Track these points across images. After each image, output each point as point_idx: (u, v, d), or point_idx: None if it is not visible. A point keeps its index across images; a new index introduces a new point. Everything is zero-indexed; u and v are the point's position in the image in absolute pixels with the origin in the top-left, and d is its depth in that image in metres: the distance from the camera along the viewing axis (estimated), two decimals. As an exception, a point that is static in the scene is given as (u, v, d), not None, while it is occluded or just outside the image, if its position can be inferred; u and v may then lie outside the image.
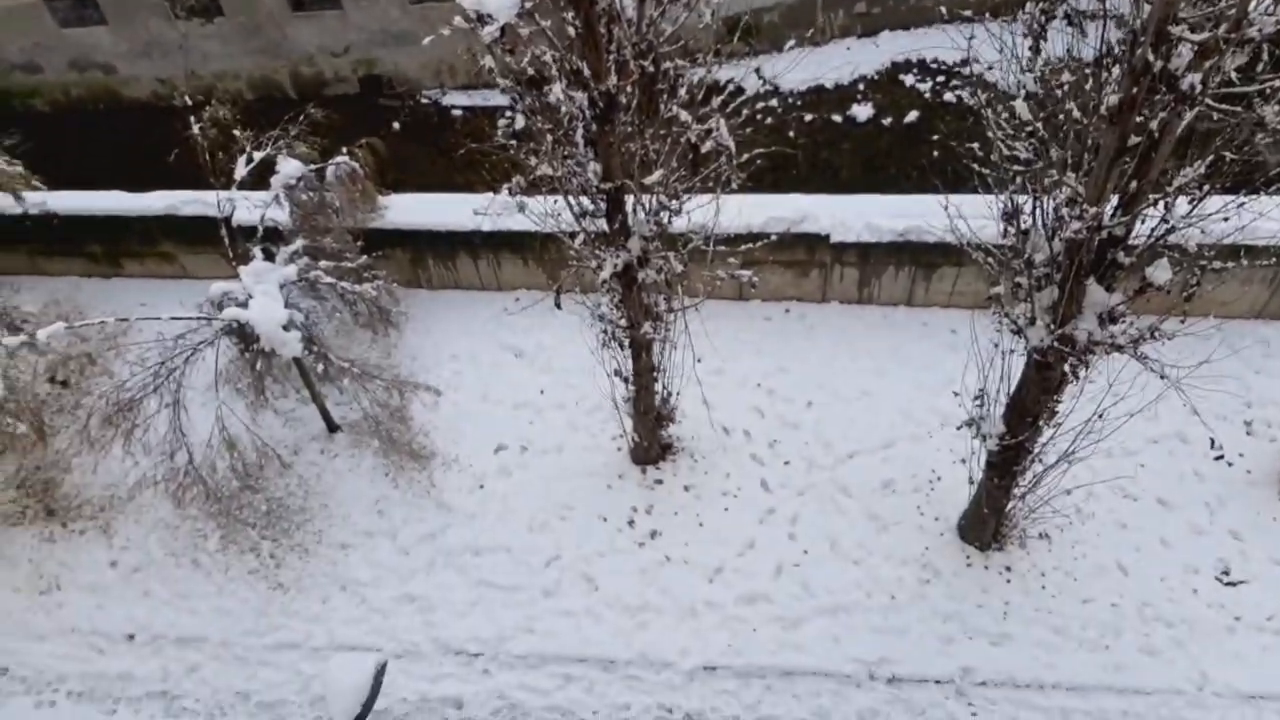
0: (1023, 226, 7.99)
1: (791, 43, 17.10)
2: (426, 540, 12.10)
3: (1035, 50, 7.22)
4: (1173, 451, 12.07)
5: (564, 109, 7.91)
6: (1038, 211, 7.75)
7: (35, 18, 19.48)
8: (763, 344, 13.69)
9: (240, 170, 11.27)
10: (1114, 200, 7.01)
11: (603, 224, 9.02)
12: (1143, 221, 7.30)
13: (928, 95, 18.17)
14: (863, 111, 18.39)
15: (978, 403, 9.55)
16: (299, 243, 11.83)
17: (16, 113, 20.30)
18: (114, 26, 19.61)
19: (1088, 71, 6.83)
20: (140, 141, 16.89)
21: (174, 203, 14.60)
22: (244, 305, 10.88)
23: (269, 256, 11.51)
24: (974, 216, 8.42)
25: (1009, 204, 7.97)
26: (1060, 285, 7.75)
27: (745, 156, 8.50)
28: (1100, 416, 9.01)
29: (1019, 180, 7.70)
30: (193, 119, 10.82)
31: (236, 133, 11.22)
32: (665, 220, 9.14)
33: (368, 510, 12.41)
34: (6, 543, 12.48)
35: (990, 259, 8.50)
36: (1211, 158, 6.83)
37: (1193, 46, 5.79)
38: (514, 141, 8.28)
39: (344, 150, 12.46)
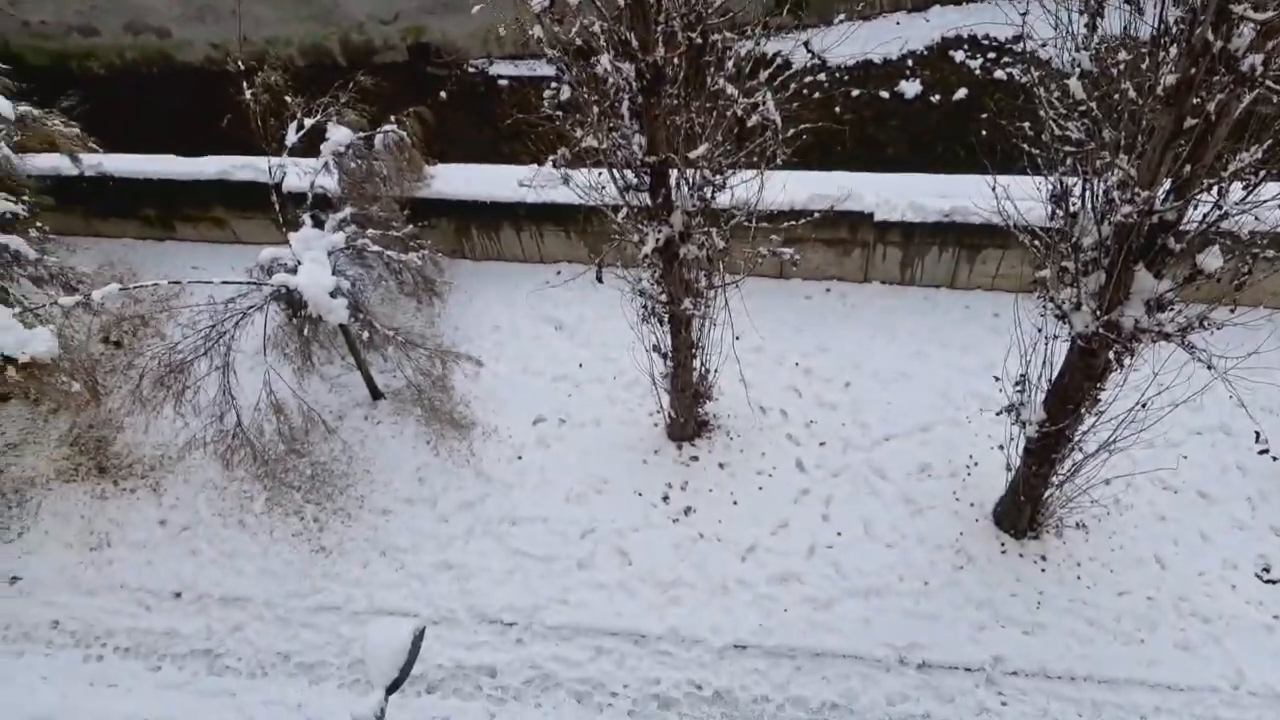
0: (1071, 209, 7.86)
1: (841, 17, 16.90)
2: (465, 509, 12.29)
3: (1091, 28, 7.08)
4: (1216, 444, 11.87)
5: (611, 80, 7.91)
6: (1087, 194, 7.62)
7: (94, -19, 19.81)
8: (802, 323, 13.64)
9: (291, 136, 11.41)
10: (1166, 184, 6.88)
11: (646, 198, 9.03)
12: (1195, 207, 7.15)
13: (978, 72, 17.87)
14: (911, 88, 18.12)
15: (1019, 388, 9.45)
16: (347, 210, 11.98)
17: (73, 75, 20.68)
18: (169, -9, 19.88)
19: (1144, 51, 6.68)
20: (193, 106, 17.11)
21: (226, 168, 14.83)
22: (293, 271, 11.06)
23: (318, 223, 11.67)
24: (1021, 198, 8.30)
25: (1058, 186, 7.85)
26: (1108, 270, 7.63)
27: (791, 132, 8.45)
28: (1144, 406, 8.87)
29: (1069, 161, 7.57)
30: (245, 84, 10.96)
31: (288, 99, 11.34)
32: (709, 195, 9.13)
33: (409, 478, 12.62)
34: (60, 499, 12.85)
35: (1037, 242, 8.39)
36: (1270, 142, 6.67)
37: (1255, 26, 5.65)
38: (560, 113, 8.31)
39: (392, 119, 12.56)
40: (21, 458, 13.16)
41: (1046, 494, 10.64)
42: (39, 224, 12.55)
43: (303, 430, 12.01)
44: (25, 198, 12.56)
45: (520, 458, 12.68)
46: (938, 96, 17.76)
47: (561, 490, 12.32)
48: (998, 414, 10.02)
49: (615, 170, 8.86)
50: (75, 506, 12.81)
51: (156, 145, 15.61)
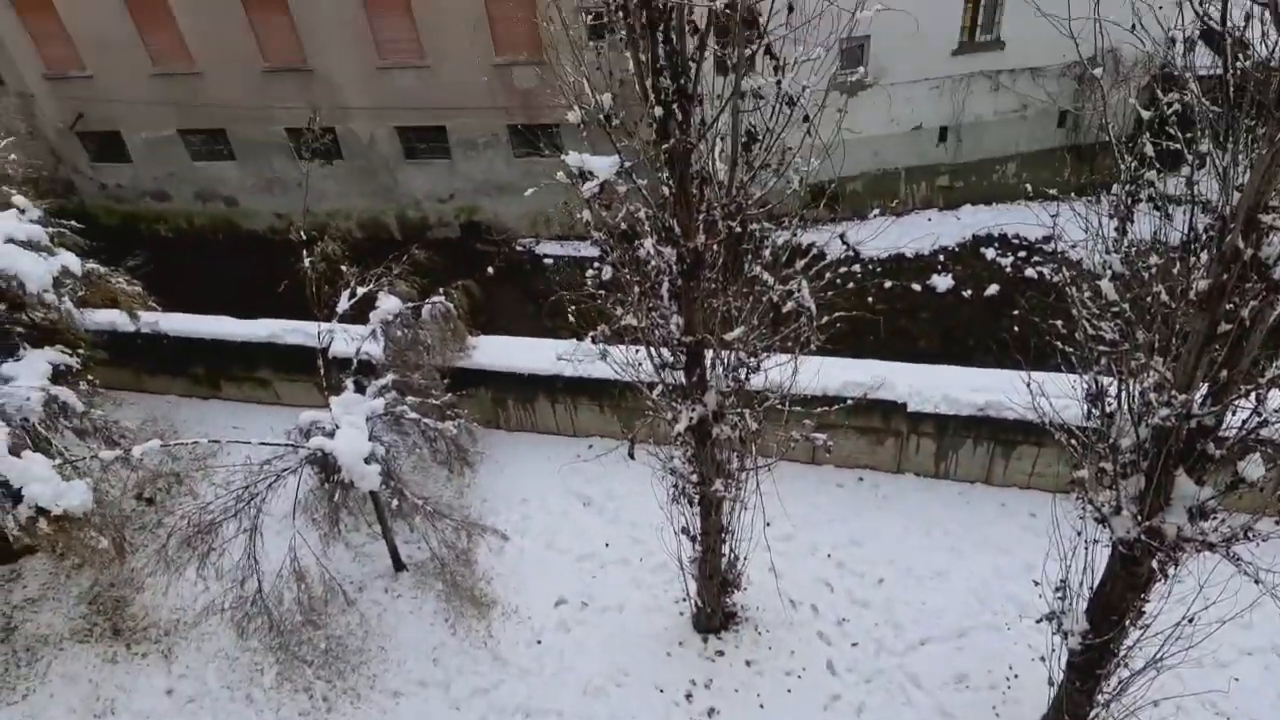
0: (1108, 409, 7.80)
1: (875, 212, 17.52)
2: (479, 695, 11.75)
3: (1121, 231, 7.23)
4: (1269, 666, 11.19)
5: (652, 263, 8.17)
6: (1123, 395, 7.58)
7: (173, 150, 21.24)
8: (835, 512, 13.41)
9: (343, 303, 11.82)
10: (1203, 388, 6.82)
11: (681, 376, 9.13)
12: (1234, 412, 7.06)
13: (1009, 270, 18.27)
14: (943, 282, 18.53)
15: (1059, 595, 9.04)
16: (389, 377, 12.23)
17: (142, 236, 21.86)
18: (241, 162, 21.22)
19: (1175, 255, 6.79)
20: (254, 271, 17.92)
21: (277, 331, 15.32)
22: (330, 435, 11.18)
23: (360, 389, 11.90)
24: (1056, 395, 8.26)
25: (1093, 385, 7.82)
26: (1147, 474, 7.47)
27: (826, 319, 8.59)
28: (1190, 621, 8.42)
29: (1104, 361, 7.57)
30: (305, 253, 11.45)
31: (343, 268, 11.82)
32: (743, 377, 9.21)
33: (424, 658, 12.19)
34: (71, 659, 12.56)
35: (1073, 441, 8.28)
36: (1308, 350, 6.65)
37: (1285, 237, 5.76)
38: (602, 291, 8.55)
39: (440, 290, 13.01)
40: (39, 614, 13.00)
41: (1092, 714, 9.97)
42: (90, 377, 12.91)
43: (322, 600, 11.77)
44: (81, 351, 12.99)
45: (539, 641, 12.23)
46: (969, 291, 18.10)
47: (580, 680, 11.77)
48: (1038, 621, 9.57)
49: (652, 348, 9.01)
50: (85, 669, 12.47)
51: (214, 307, 16.26)
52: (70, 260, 12.55)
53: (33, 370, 12.20)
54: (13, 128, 20.23)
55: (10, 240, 12.05)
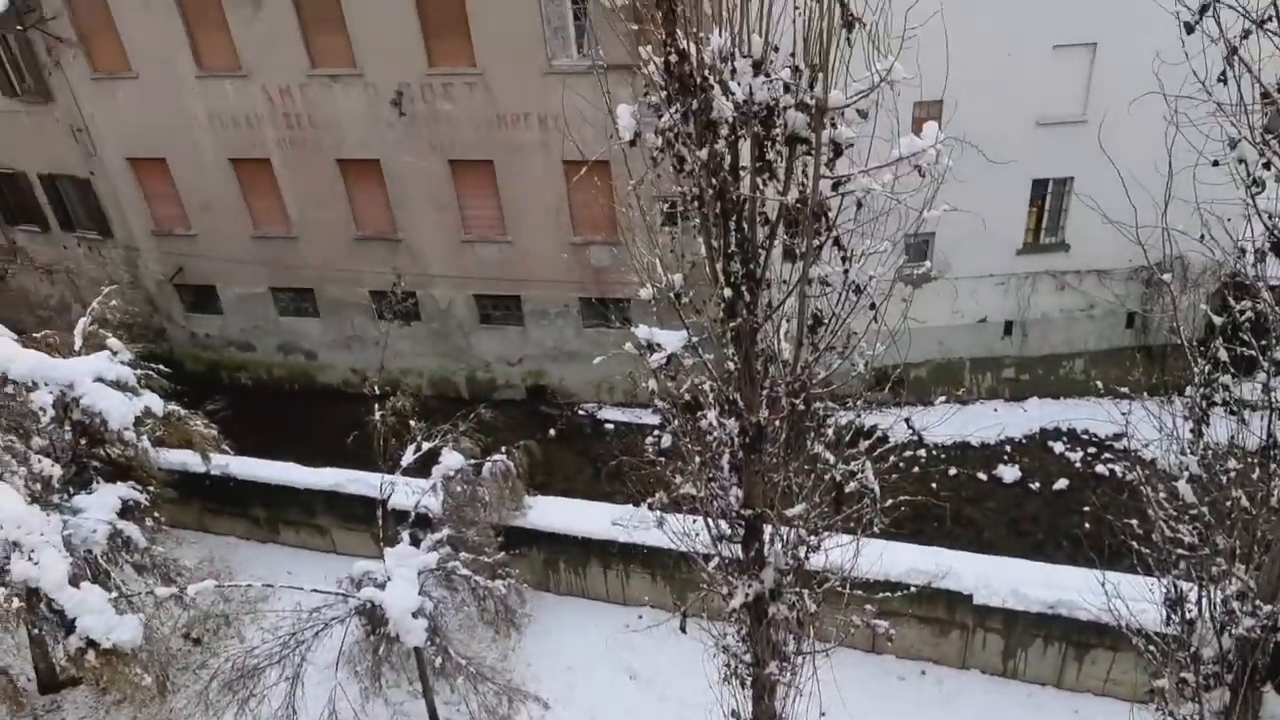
0: (1188, 616, 7.43)
1: (941, 398, 17.46)
2: None
3: (1197, 434, 7.11)
4: None
5: (714, 434, 8.23)
6: (1204, 601, 7.24)
7: (262, 305, 22.36)
8: (895, 706, 12.74)
9: (408, 457, 12.06)
10: (1291, 599, 6.50)
11: (738, 550, 8.98)
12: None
13: (1078, 465, 17.90)
14: (1009, 473, 18.19)
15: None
16: (445, 531, 12.28)
17: (225, 383, 22.71)
18: (324, 319, 22.21)
19: (1254, 461, 6.64)
20: (325, 422, 18.45)
21: (340, 480, 15.58)
22: (381, 587, 11.17)
23: (415, 541, 11.95)
24: (1133, 598, 7.91)
25: (1172, 590, 7.49)
26: (1232, 689, 7.04)
27: (889, 502, 8.47)
28: None
29: (1183, 565, 7.29)
30: (377, 406, 11.82)
31: (411, 423, 12.13)
32: (803, 555, 9.03)
33: (454, 826, 11.67)
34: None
35: (1151, 648, 7.86)
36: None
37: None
38: (661, 458, 8.60)
39: (502, 449, 13.20)
40: (73, 750, 12.83)
41: None
42: (156, 514, 13.20)
43: (355, 760, 11.43)
44: (151, 488, 13.35)
45: (571, 827, 11.61)
46: (1037, 484, 17.72)
47: None
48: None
49: (710, 519, 8.93)
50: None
51: (284, 453, 16.66)
52: (153, 401, 13.11)
53: (103, 504, 12.54)
54: (117, 277, 21.63)
55: (100, 379, 12.67)
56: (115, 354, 13.29)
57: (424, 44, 18.04)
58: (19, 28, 18.71)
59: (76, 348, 13.62)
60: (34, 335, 13.87)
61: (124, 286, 19.96)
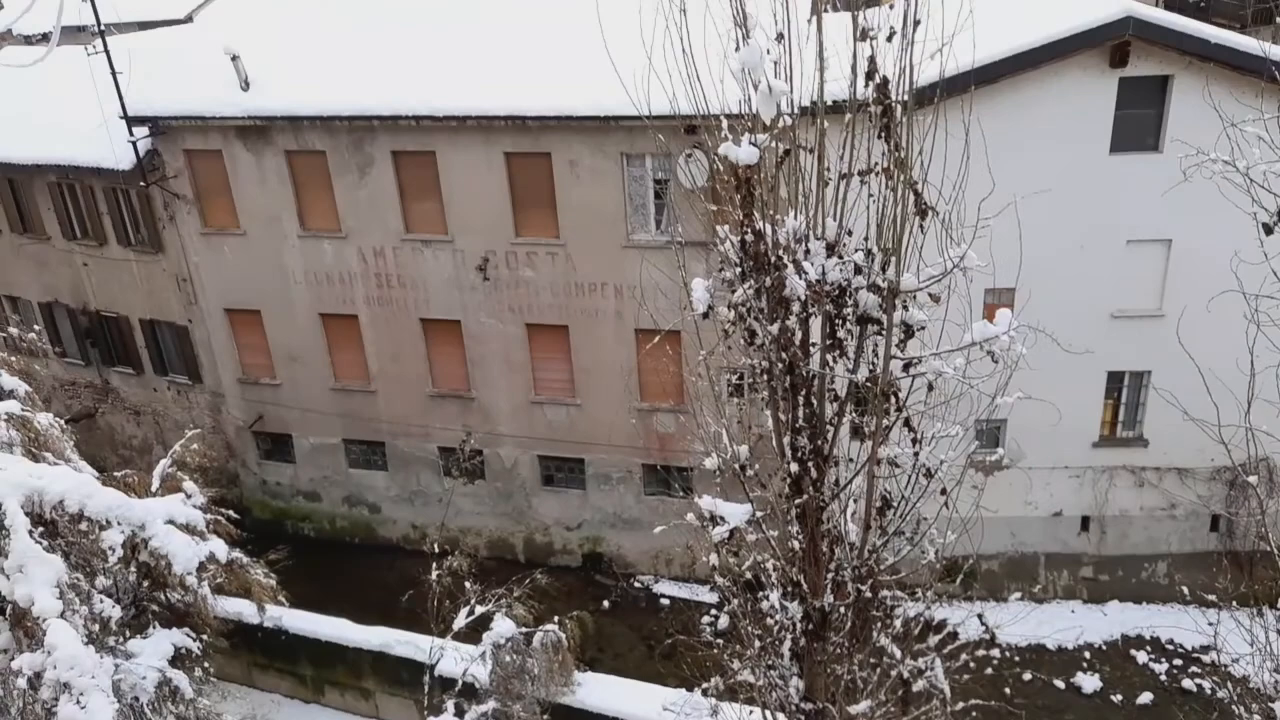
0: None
1: (1016, 595, 16.71)
2: None
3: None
4: None
5: (775, 618, 7.94)
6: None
7: (333, 456, 22.79)
8: None
9: (460, 620, 11.87)
10: None
11: (796, 748, 8.48)
12: None
13: (1163, 677, 16.75)
14: (1089, 682, 17.09)
15: None
16: (490, 704, 11.87)
17: (287, 533, 22.90)
18: (391, 473, 22.49)
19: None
20: (382, 576, 18.38)
21: (389, 640, 15.31)
22: (421, 758, 10.76)
23: (459, 712, 11.57)
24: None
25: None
26: None
27: (960, 705, 7.99)
28: None
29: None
30: (434, 565, 11.75)
31: (467, 584, 12.00)
32: (866, 757, 8.47)
33: None
34: None
35: None
36: None
37: None
38: (718, 640, 8.29)
39: (555, 619, 12.91)
40: None
41: None
42: (206, 664, 13.04)
43: None
44: (205, 636, 13.25)
45: None
46: (1119, 696, 16.56)
47: None
48: None
49: (768, 710, 8.50)
50: None
51: (338, 608, 16.52)
52: (219, 548, 13.20)
53: (157, 650, 12.45)
54: (200, 421, 22.39)
55: (170, 521, 12.88)
56: (189, 497, 13.55)
57: (512, 215, 19.04)
58: (142, 184, 20.30)
59: (154, 488, 13.94)
60: (114, 474, 14.26)
61: (206, 431, 20.61)
